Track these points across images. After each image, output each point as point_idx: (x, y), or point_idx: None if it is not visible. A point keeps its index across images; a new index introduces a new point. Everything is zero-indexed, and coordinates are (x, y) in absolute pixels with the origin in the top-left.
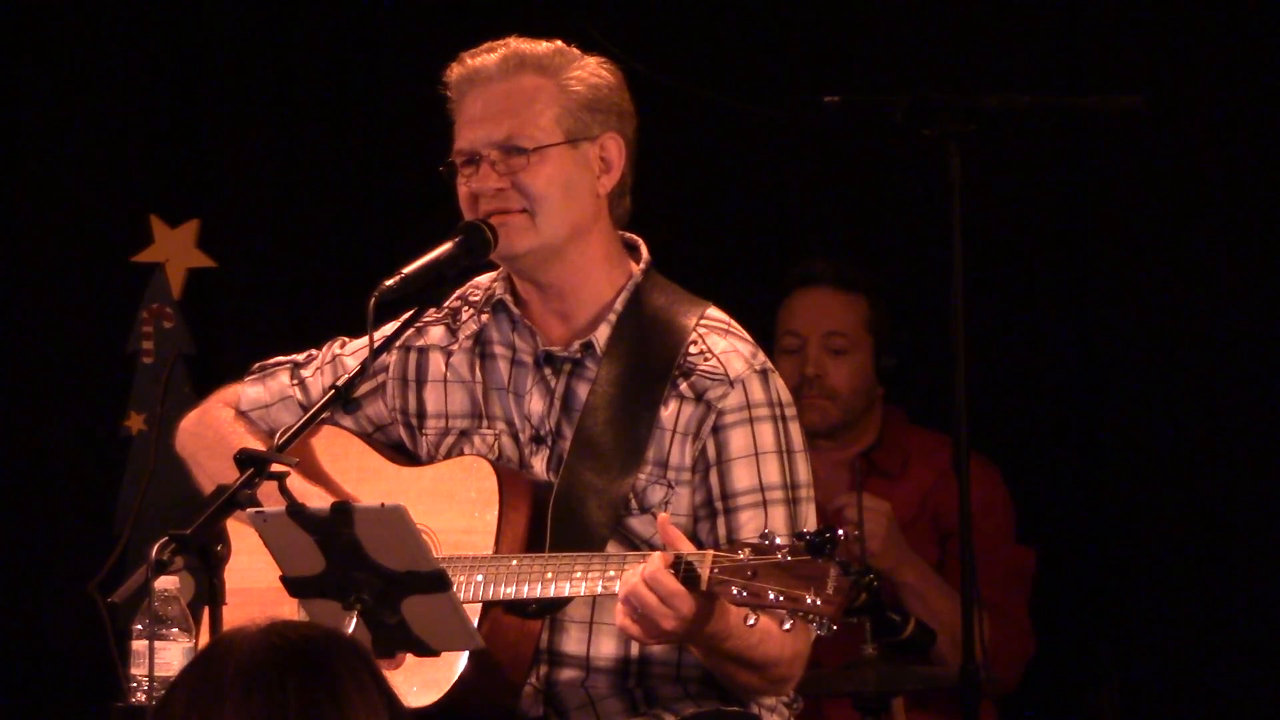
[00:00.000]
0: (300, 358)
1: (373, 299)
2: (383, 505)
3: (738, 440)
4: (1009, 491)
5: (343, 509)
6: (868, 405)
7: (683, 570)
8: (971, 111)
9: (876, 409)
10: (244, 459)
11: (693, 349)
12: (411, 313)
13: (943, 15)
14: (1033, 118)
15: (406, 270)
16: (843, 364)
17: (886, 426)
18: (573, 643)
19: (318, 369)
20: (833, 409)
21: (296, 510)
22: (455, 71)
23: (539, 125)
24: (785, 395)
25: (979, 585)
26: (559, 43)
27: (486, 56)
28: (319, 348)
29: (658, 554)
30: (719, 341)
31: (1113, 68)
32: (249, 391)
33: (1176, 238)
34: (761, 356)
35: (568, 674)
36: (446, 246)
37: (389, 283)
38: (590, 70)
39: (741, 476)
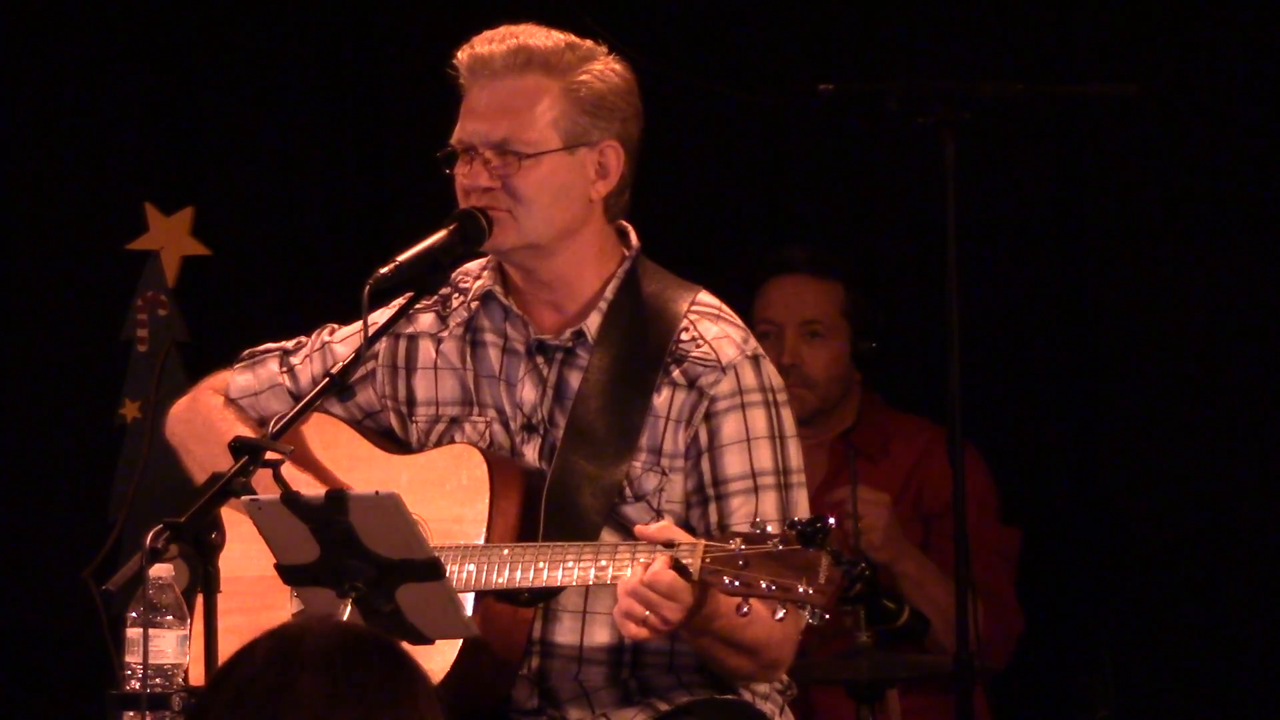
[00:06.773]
0: (289, 345)
1: (367, 286)
2: (377, 493)
3: (730, 426)
4: (993, 472)
5: (337, 496)
6: (844, 391)
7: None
8: (966, 99)
9: (854, 394)
10: (239, 446)
11: (684, 335)
12: (406, 299)
13: (937, 3)
14: (1027, 106)
15: (401, 258)
16: (820, 352)
17: (865, 410)
18: (566, 632)
19: (306, 357)
20: (810, 397)
21: (291, 498)
22: (463, 56)
23: (537, 129)
24: (777, 381)
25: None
26: (572, 36)
27: (495, 47)
28: (308, 335)
29: (660, 557)
30: (710, 327)
31: (1107, 56)
32: (238, 379)
33: (1170, 225)
34: (753, 342)
35: (561, 664)
36: (441, 234)
37: (384, 270)
38: (598, 73)
39: (733, 462)
